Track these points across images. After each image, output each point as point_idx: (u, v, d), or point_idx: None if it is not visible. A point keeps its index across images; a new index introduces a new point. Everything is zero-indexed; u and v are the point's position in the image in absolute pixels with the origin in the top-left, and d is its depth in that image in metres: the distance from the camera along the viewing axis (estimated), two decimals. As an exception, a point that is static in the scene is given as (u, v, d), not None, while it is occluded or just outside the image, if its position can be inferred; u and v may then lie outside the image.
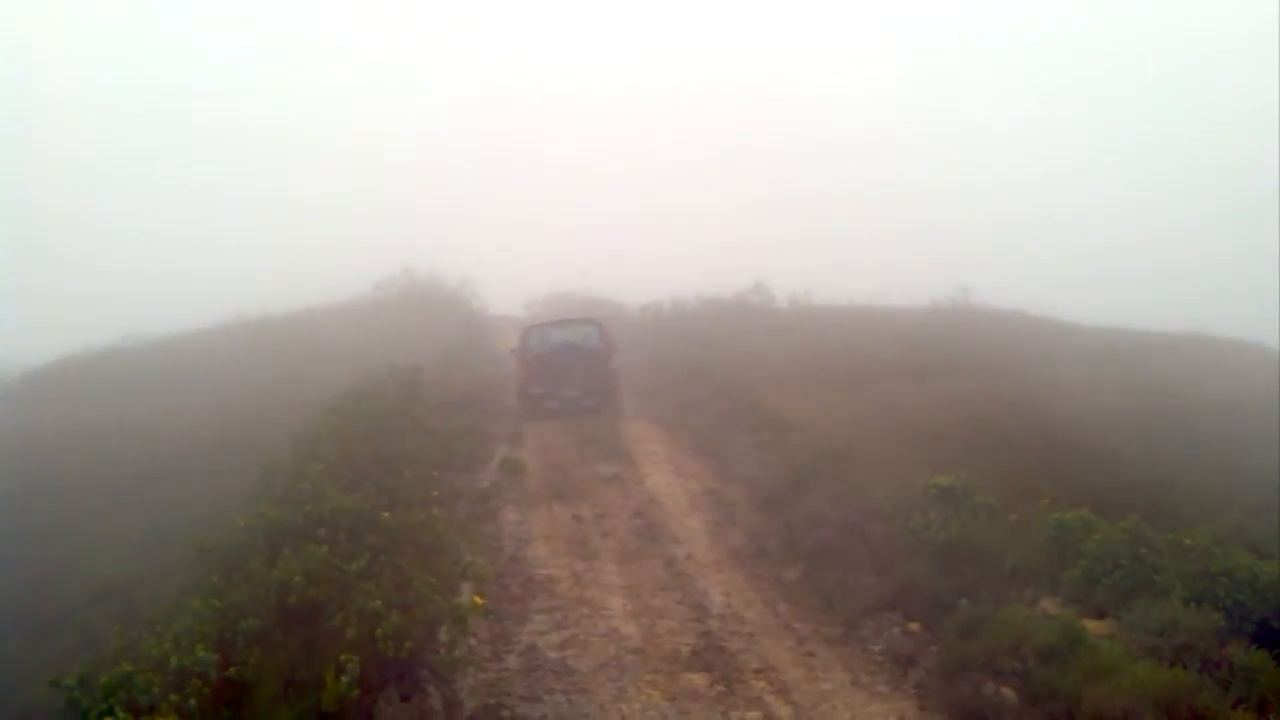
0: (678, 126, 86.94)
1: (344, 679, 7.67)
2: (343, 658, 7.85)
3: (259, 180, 70.93)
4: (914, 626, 10.69)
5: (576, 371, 22.47)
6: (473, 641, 10.29)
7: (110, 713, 6.94)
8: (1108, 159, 72.39)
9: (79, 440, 20.50)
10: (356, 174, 73.68)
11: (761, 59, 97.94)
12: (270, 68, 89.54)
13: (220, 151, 75.39)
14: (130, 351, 29.68)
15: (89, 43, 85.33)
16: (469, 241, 51.73)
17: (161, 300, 37.04)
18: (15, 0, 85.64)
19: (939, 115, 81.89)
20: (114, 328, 30.94)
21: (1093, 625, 9.67)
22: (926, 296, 33.94)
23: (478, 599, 10.26)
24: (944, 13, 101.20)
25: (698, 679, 9.66)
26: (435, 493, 14.37)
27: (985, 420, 17.67)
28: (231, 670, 7.83)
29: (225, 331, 31.82)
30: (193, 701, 7.24)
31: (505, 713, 9.00)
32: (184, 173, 71.53)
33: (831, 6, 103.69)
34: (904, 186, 70.94)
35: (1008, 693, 8.79)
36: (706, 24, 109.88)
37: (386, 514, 11.61)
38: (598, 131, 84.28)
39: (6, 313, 42.44)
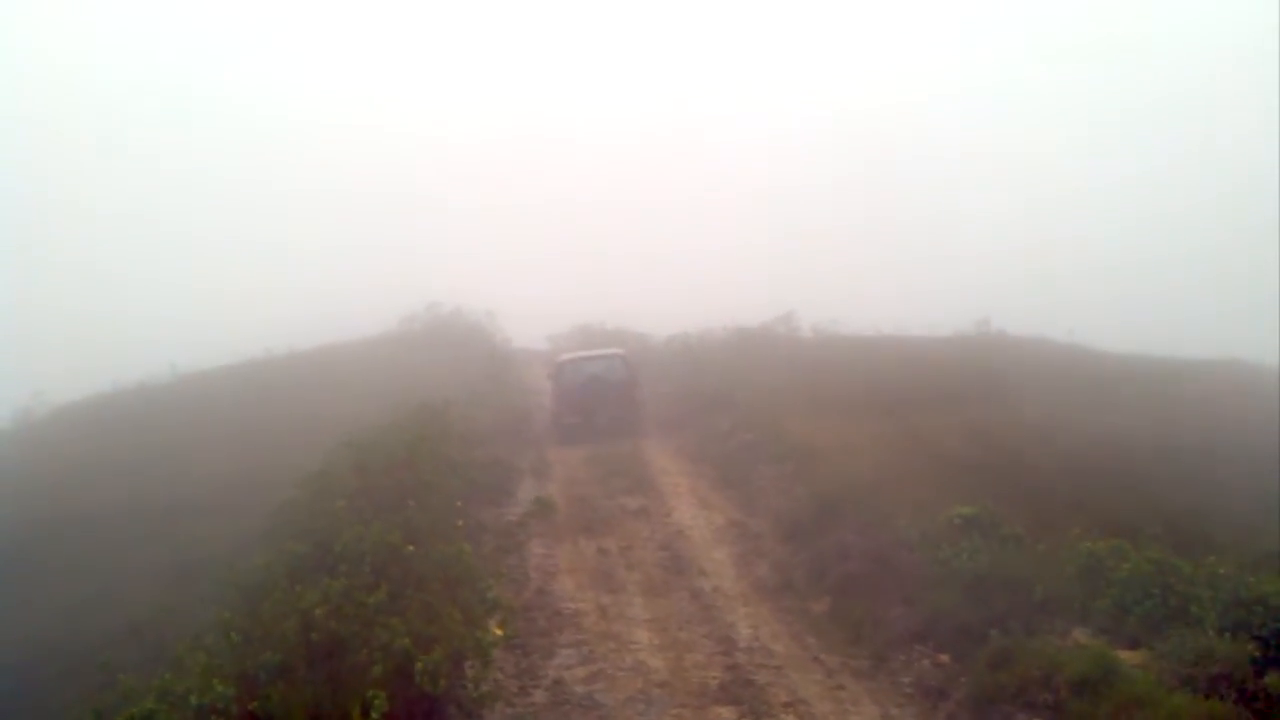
0: (702, 160, 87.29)
1: (372, 715, 7.65)
2: (370, 694, 7.84)
3: (284, 222, 71.71)
4: (944, 658, 10.59)
5: (606, 402, 24.34)
6: (499, 676, 10.27)
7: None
8: (1117, 179, 72.42)
9: (107, 474, 20.62)
10: (383, 213, 74.28)
11: (782, 91, 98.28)
12: (289, 110, 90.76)
13: (247, 196, 76.32)
14: (158, 388, 29.89)
15: (108, 91, 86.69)
16: (493, 276, 52.03)
17: (188, 340, 37.31)
18: (23, 52, 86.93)
19: (953, 140, 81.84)
20: (142, 367, 31.21)
21: (1125, 655, 9.54)
22: (950, 325, 33.83)
23: (498, 629, 10.23)
24: (956, 39, 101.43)
25: (726, 713, 9.59)
26: (460, 523, 14.39)
27: (1011, 448, 17.53)
28: (253, 705, 7.82)
29: (252, 367, 32.04)
30: (213, 738, 7.25)
31: (532, 748, 8.97)
32: (212, 218, 72.53)
33: (846, 36, 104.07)
34: (922, 213, 71.07)
35: (1040, 725, 8.69)
36: (728, 59, 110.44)
37: (411, 547, 11.62)
38: (622, 166, 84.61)
39: (38, 353, 42.94)
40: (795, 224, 70.36)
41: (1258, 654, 9.14)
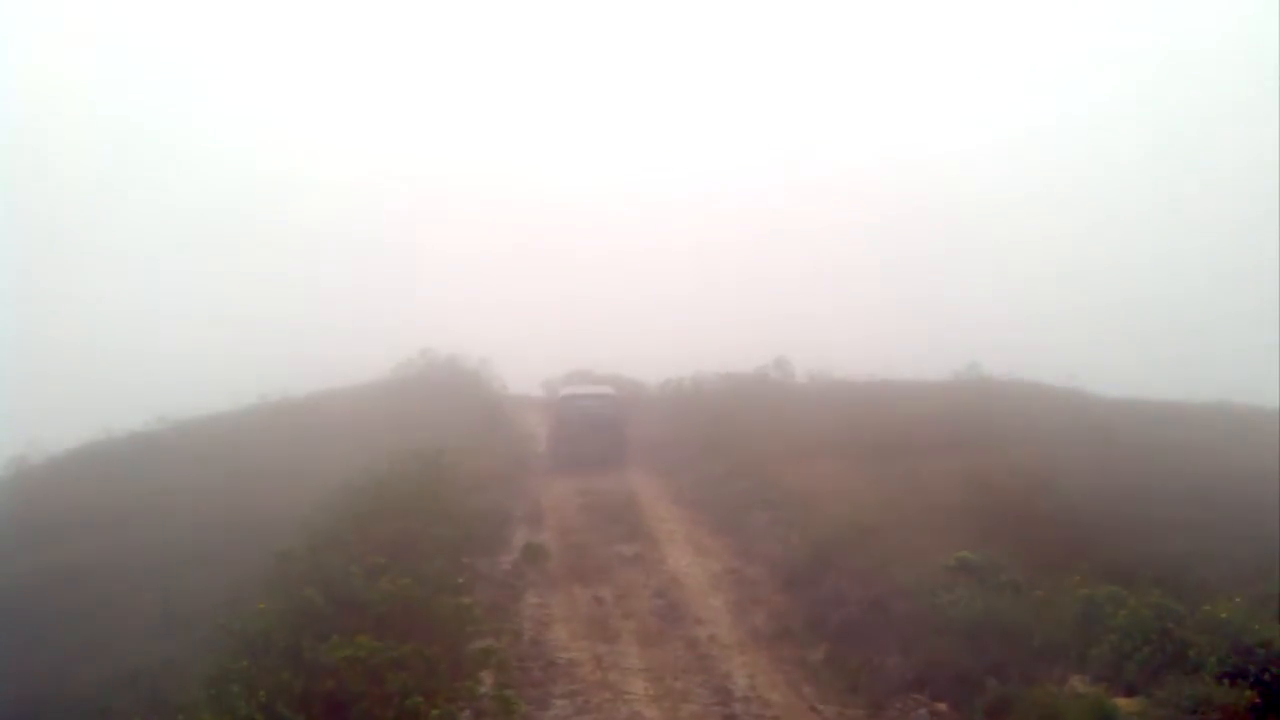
0: (694, 207, 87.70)
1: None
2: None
3: (281, 267, 71.86)
4: (941, 706, 10.53)
5: (597, 433, 26.96)
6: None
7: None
8: (1115, 216, 73.14)
9: (103, 523, 20.55)
10: (376, 259, 74.47)
11: (775, 139, 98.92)
12: (301, 161, 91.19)
13: (241, 239, 76.55)
14: (152, 436, 29.83)
15: (109, 125, 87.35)
16: (488, 323, 52.06)
17: (183, 384, 37.29)
18: (45, 87, 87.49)
19: (948, 182, 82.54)
20: (137, 412, 31.14)
21: (1123, 703, 9.50)
22: (946, 367, 33.83)
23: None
24: (954, 84, 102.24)
25: (723, 764, 9.50)
26: (461, 580, 14.33)
27: (1007, 494, 17.49)
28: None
29: (246, 415, 31.98)
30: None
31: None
32: (206, 260, 72.73)
33: (843, 83, 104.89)
34: (916, 252, 71.50)
35: (1039, 774, 8.62)
36: (723, 109, 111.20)
37: (413, 598, 11.57)
38: (617, 211, 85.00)
39: (30, 398, 42.84)
40: (788, 268, 70.69)
41: (1257, 701, 9.09)
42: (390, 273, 71.06)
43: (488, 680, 10.35)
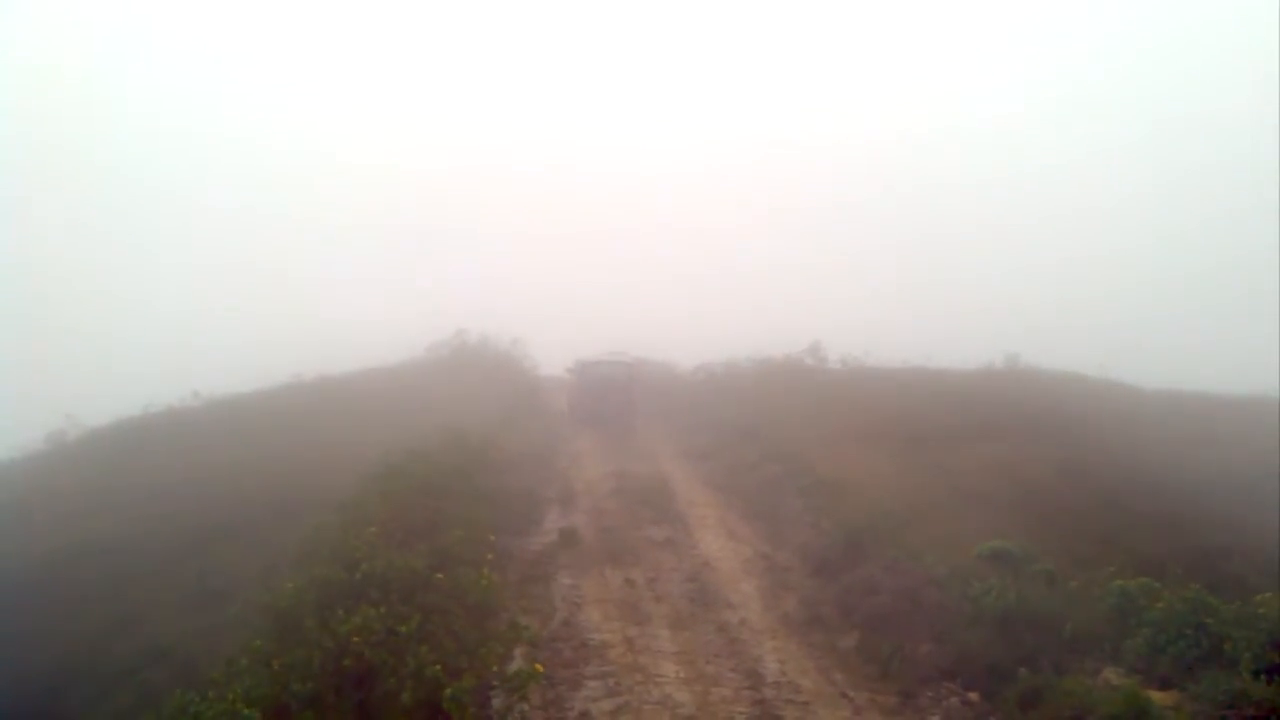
0: (729, 190, 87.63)
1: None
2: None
3: (316, 251, 72.43)
4: (973, 696, 10.51)
5: (613, 396, 31.44)
6: (525, 708, 10.24)
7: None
8: (1134, 198, 72.71)
9: (138, 497, 20.78)
10: (414, 242, 74.89)
11: (803, 116, 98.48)
12: (317, 141, 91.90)
13: (276, 226, 77.31)
14: (188, 411, 30.13)
15: (139, 122, 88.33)
16: (522, 305, 52.26)
17: (221, 365, 37.63)
18: (51, 85, 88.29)
19: (972, 164, 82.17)
20: (174, 390, 31.47)
21: (1157, 696, 9.44)
22: (976, 353, 33.68)
23: (538, 666, 10.21)
24: (974, 67, 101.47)
25: (753, 748, 9.52)
26: (490, 555, 14.41)
27: (1041, 484, 17.43)
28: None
29: (281, 393, 32.22)
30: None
31: (559, 780, 8.93)
32: (239, 248, 73.52)
33: (868, 62, 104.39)
34: (943, 236, 71.24)
35: (1071, 766, 8.59)
36: (755, 88, 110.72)
37: (440, 575, 11.63)
38: (647, 197, 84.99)
39: (71, 376, 43.39)
40: (821, 249, 70.58)
41: (1294, 697, 9.01)
42: (426, 256, 71.52)
43: (519, 659, 10.39)
